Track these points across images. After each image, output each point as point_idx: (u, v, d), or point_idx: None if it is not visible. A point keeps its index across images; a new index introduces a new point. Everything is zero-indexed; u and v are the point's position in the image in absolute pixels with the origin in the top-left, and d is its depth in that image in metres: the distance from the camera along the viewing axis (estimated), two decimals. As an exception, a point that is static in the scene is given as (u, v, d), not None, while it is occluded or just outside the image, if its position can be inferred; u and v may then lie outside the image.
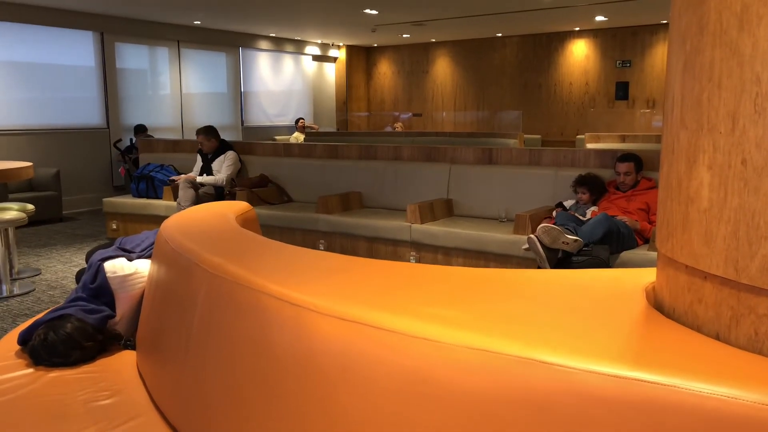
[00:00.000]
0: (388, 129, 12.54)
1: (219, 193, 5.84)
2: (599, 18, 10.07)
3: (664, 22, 10.49)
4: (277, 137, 11.27)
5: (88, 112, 8.99)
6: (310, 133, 10.91)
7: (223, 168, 5.97)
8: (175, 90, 10.19)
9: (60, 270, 5.32)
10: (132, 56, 9.54)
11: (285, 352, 1.30)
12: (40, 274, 5.19)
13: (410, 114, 13.62)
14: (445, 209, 5.00)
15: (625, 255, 3.71)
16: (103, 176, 9.12)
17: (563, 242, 3.62)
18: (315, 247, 5.09)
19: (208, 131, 6.04)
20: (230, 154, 6.04)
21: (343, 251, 4.93)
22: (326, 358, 1.22)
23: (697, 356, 0.97)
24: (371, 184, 5.52)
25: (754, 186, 0.94)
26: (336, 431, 1.18)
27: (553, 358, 0.98)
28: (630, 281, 1.34)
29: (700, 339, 1.04)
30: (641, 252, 3.74)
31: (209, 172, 6.00)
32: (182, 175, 6.09)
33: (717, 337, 1.04)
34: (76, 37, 8.80)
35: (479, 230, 4.42)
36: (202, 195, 5.72)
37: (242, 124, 11.41)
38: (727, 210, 0.98)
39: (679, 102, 1.08)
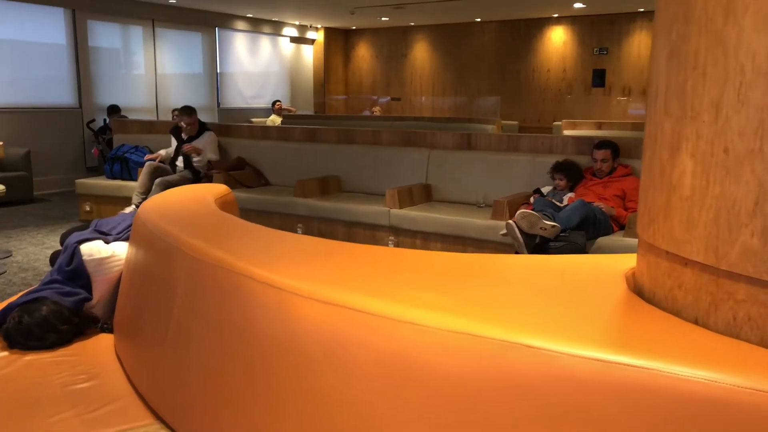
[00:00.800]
0: (367, 113, 12.46)
1: (197, 177, 5.77)
2: (577, 5, 10.10)
3: (642, 10, 10.57)
4: (253, 119, 11.14)
5: (59, 92, 8.80)
6: (287, 116, 10.81)
7: (208, 148, 5.89)
8: (149, 70, 10.02)
9: (32, 252, 5.23)
10: (104, 34, 9.34)
11: (268, 336, 1.30)
12: (11, 256, 5.10)
13: (389, 98, 13.59)
14: (424, 194, 5.02)
15: (602, 241, 3.76)
16: (75, 157, 8.96)
17: (541, 228, 3.65)
18: (293, 230, 5.08)
19: (191, 111, 5.92)
20: (212, 135, 5.95)
21: (321, 235, 4.92)
22: (310, 342, 1.22)
23: (677, 341, 0.99)
24: (350, 169, 5.52)
25: (736, 174, 0.96)
26: (319, 414, 1.18)
27: (537, 342, 0.99)
28: (610, 267, 1.36)
29: (679, 324, 1.05)
30: (617, 238, 3.79)
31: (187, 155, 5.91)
32: (160, 152, 5.96)
33: (696, 322, 1.06)
34: (47, 13, 8.59)
35: (458, 215, 4.45)
36: (180, 179, 5.63)
37: (218, 106, 11.27)
38: (708, 198, 1.00)
39: (663, 90, 1.09)
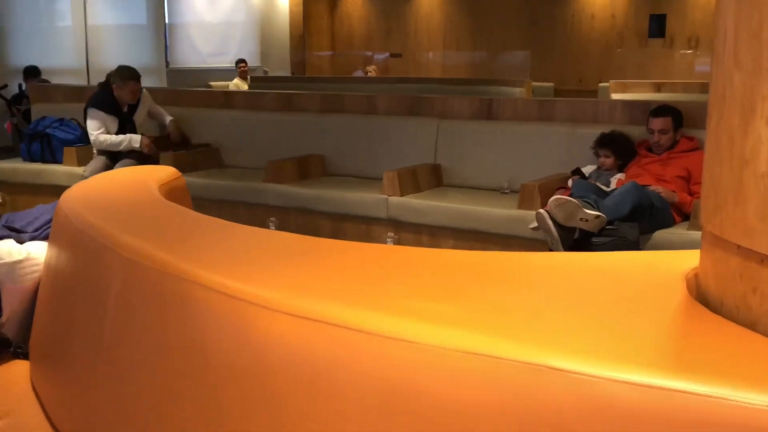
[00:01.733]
0: (359, 74, 12.39)
1: (144, 157, 5.72)
2: (630, -69, 10.07)
3: (712, -63, 10.48)
4: (212, 83, 11.10)
5: (-39, 50, 8.78)
6: (257, 79, 10.78)
7: (157, 113, 5.93)
8: (77, 21, 9.98)
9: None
10: (19, -25, 9.31)
11: (226, 358, 1.30)
12: None
13: (387, 54, 13.50)
14: (432, 177, 5.03)
15: (660, 235, 3.78)
16: (-18, 133, 8.95)
17: (581, 219, 3.66)
18: (264, 226, 5.09)
19: (135, 75, 5.89)
20: (150, 99, 5.97)
21: (300, 232, 4.86)
22: (278, 365, 1.22)
23: (751, 360, 0.98)
24: (336, 145, 5.51)
25: (826, 144, 0.95)
26: (291, 457, 1.19)
27: (570, 365, 0.98)
28: (666, 267, 1.35)
29: (755, 338, 1.05)
30: (680, 231, 3.80)
31: (134, 129, 5.90)
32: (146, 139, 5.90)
33: (776, 337, 1.05)
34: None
35: (475, 204, 4.46)
36: (128, 162, 5.60)
37: (167, 66, 11.23)
38: (791, 175, 0.99)
39: (732, 36, 1.08)
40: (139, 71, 6.03)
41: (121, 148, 5.74)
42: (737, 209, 1.08)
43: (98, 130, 5.79)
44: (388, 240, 4.77)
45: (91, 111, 5.80)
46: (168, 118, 6.05)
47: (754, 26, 1.04)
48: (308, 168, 5.44)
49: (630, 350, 1.02)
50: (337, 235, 4.88)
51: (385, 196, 4.73)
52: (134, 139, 5.76)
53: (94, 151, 5.89)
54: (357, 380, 1.13)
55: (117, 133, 5.83)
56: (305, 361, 1.19)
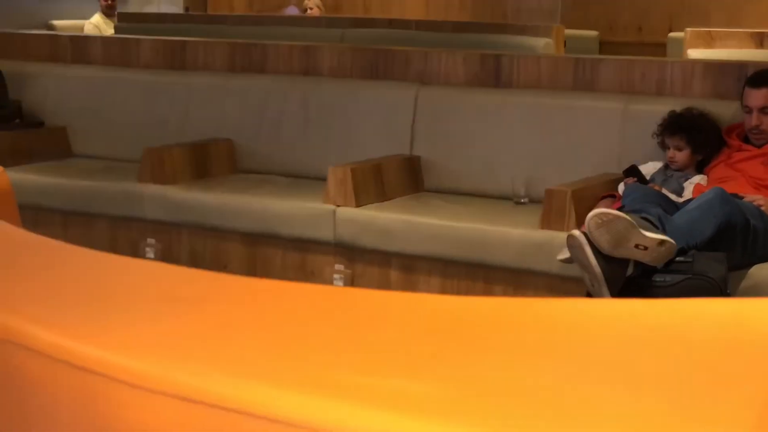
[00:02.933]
0: (292, 11, 9.48)
1: None
2: None
3: None
4: (55, 22, 8.67)
5: None
6: (128, 17, 8.17)
7: None
8: None
9: None
10: None
11: None
12: None
13: None
14: (407, 178, 4.03)
15: (759, 272, 3.07)
16: None
17: (637, 245, 2.95)
18: (137, 251, 4.08)
19: None
20: None
21: (196, 263, 4.00)
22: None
23: None
24: (254, 125, 4.40)
25: None
26: None
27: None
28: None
29: None
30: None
31: None
32: None
33: None
34: None
35: (474, 221, 3.54)
36: None
37: None
38: None
39: None
40: None
41: None
42: None
43: None
44: (335, 277, 3.79)
45: None
46: None
47: None
48: (209, 161, 4.21)
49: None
50: (253, 268, 3.92)
51: (332, 207, 3.72)
52: None
53: None
54: None
55: None
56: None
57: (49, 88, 4.84)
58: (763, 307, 1.23)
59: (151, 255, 4.06)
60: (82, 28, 8.06)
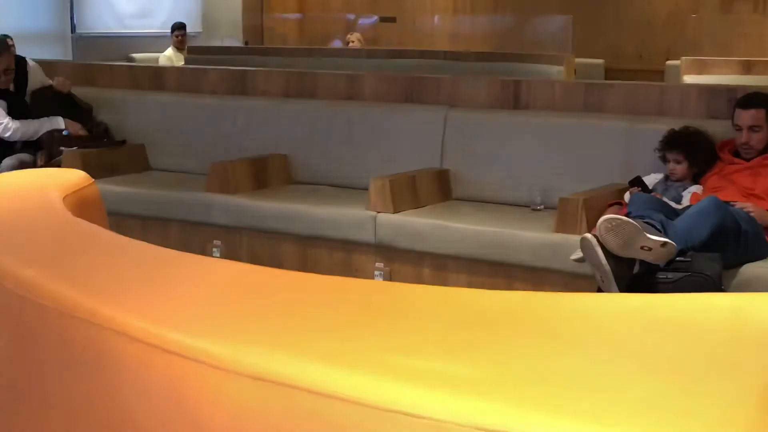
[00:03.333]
0: (337, 44, 10.21)
1: (39, 150, 4.85)
2: None
3: None
4: (135, 55, 9.15)
5: None
6: (197, 50, 8.81)
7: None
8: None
9: None
10: None
11: (153, 427, 1.18)
12: None
13: (376, 18, 11.22)
14: (438, 188, 4.28)
15: (750, 270, 3.25)
16: None
17: (642, 247, 3.13)
18: (205, 251, 4.33)
19: (7, 45, 4.92)
20: (41, 73, 5.02)
21: (257, 260, 4.20)
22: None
23: None
24: (306, 143, 4.67)
25: None
26: None
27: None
28: (761, 314, 1.24)
29: None
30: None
31: (27, 112, 4.91)
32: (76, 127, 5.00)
33: None
34: None
35: (497, 225, 3.78)
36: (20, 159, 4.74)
37: (72, 32, 8.95)
38: None
39: None
40: (33, 39, 5.10)
41: (40, 135, 4.85)
42: None
43: (5, 118, 4.83)
44: (376, 273, 4.05)
45: None
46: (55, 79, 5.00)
47: None
48: (267, 173, 4.54)
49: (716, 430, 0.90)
50: (305, 265, 4.16)
51: (373, 213, 3.98)
52: (56, 122, 4.88)
53: None
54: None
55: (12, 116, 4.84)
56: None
57: (130, 112, 5.21)
58: (755, 301, 1.30)
59: (217, 254, 4.31)
60: (157, 60, 8.66)
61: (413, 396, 0.98)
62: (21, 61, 5.01)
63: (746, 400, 1.00)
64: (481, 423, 0.92)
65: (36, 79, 5.03)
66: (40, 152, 4.75)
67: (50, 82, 5.02)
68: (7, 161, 4.63)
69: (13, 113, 4.84)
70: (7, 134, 4.85)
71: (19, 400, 1.42)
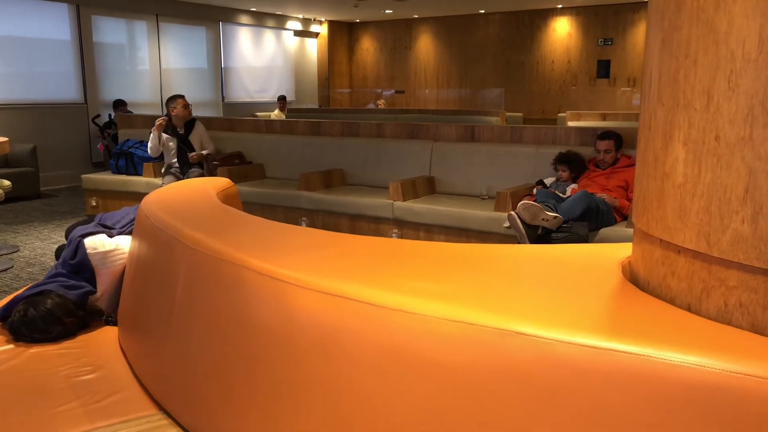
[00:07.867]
0: (371, 106, 12.39)
1: (207, 171, 5.66)
2: (582, -5, 10.09)
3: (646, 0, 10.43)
4: (258, 113, 11.14)
5: (64, 87, 8.83)
6: (292, 110, 10.73)
7: (205, 140, 5.77)
8: (154, 65, 10.03)
9: (38, 247, 5.27)
10: (109, 30, 9.36)
11: (267, 326, 1.29)
12: (18, 251, 5.14)
13: (393, 91, 13.50)
14: (428, 187, 5.03)
15: (604, 232, 3.76)
16: (81, 152, 9.00)
17: (543, 219, 3.65)
18: (297, 223, 5.10)
19: (178, 96, 5.67)
20: (202, 126, 5.78)
21: (326, 228, 4.92)
22: (308, 332, 1.22)
23: (669, 327, 0.99)
24: (353, 162, 5.52)
25: (727, 161, 0.96)
26: (319, 403, 1.18)
27: (531, 330, 1.00)
28: (606, 256, 1.36)
29: (672, 311, 1.06)
30: (619, 229, 3.79)
31: (191, 148, 5.67)
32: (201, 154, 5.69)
33: (689, 309, 1.06)
34: (51, 9, 8.61)
35: (461, 207, 4.45)
36: (190, 175, 5.48)
37: (222, 100, 11.27)
38: (700, 185, 1.00)
39: (656, 79, 1.09)
40: (200, 104, 5.92)
41: (151, 148, 5.58)
42: (660, 211, 1.09)
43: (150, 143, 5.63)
44: (393, 235, 4.74)
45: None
46: (207, 150, 5.73)
47: (673, 71, 1.05)
48: (331, 179, 5.44)
49: (578, 319, 1.03)
50: (353, 231, 4.90)
51: (391, 201, 4.74)
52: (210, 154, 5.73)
53: (162, 169, 5.79)
54: (368, 341, 1.13)
55: (176, 152, 5.60)
56: (326, 327, 1.19)
57: (254, 145, 6.11)
58: (605, 249, 1.43)
59: (304, 225, 5.02)
60: (269, 116, 10.53)
61: (412, 301, 1.12)
62: (193, 119, 5.77)
63: (597, 303, 1.12)
64: (447, 316, 1.07)
65: (200, 128, 5.76)
66: (205, 168, 5.66)
67: (207, 137, 5.80)
68: (193, 171, 5.51)
69: (180, 148, 5.61)
70: (149, 149, 5.66)
71: (194, 310, 1.53)
